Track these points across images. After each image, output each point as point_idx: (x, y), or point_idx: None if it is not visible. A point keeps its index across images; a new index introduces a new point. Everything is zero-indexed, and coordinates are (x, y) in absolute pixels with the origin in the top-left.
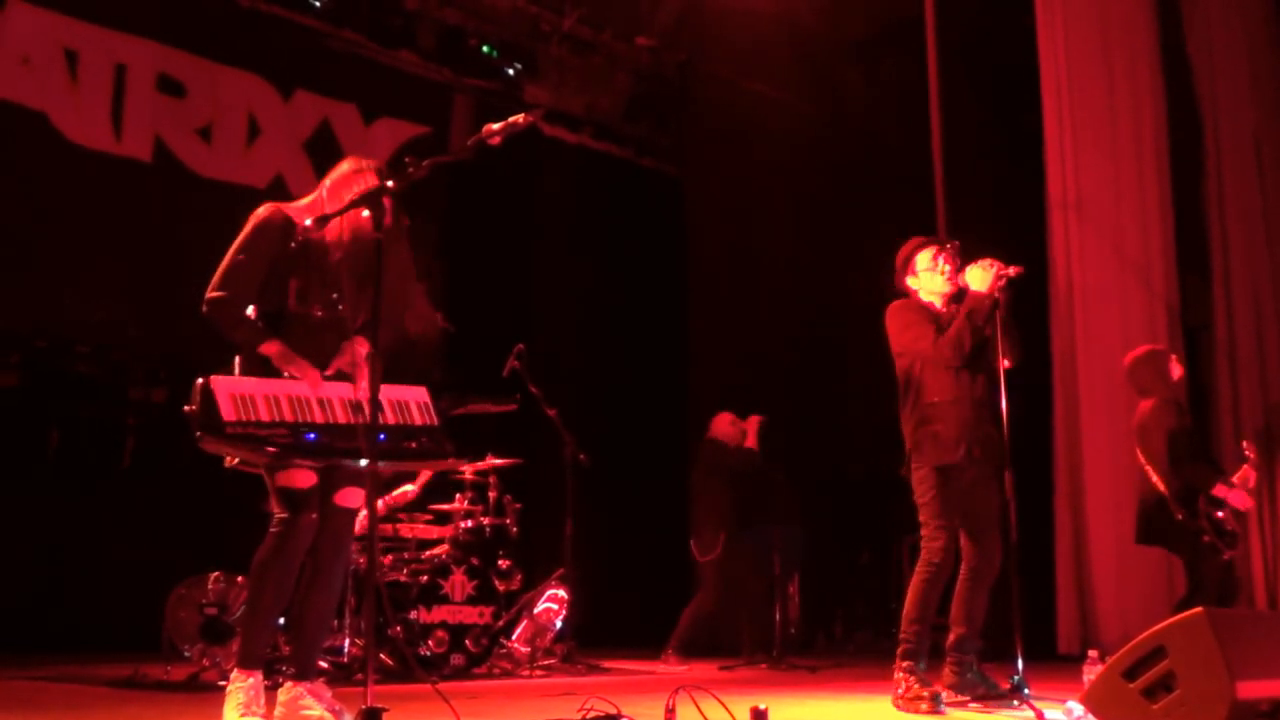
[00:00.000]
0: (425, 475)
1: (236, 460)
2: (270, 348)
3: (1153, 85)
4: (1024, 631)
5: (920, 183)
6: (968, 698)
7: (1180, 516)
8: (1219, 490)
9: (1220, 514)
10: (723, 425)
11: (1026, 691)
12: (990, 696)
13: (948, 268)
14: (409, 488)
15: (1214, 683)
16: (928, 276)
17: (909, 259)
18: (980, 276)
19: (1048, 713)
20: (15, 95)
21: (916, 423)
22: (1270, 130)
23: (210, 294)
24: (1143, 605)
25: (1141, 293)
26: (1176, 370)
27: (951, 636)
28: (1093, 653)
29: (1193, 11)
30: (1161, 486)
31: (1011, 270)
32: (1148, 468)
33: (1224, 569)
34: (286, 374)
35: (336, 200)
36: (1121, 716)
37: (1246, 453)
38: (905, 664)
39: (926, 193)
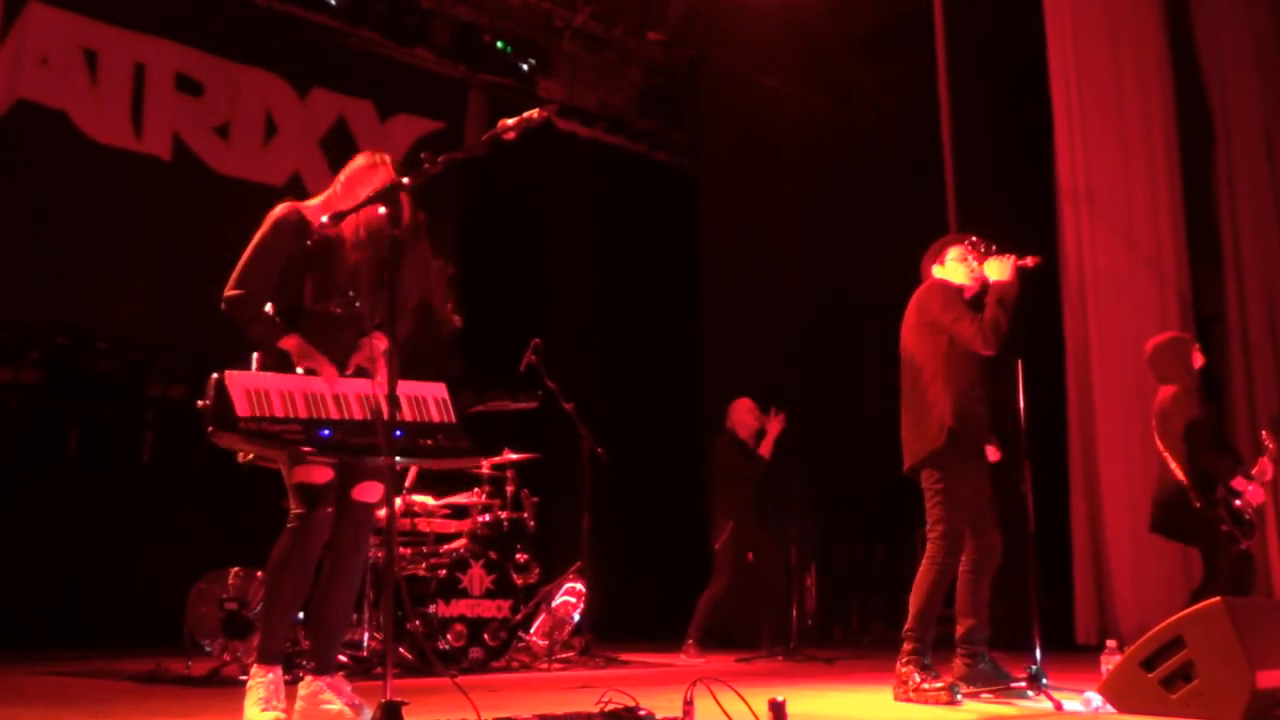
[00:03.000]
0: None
1: (250, 456)
2: (288, 342)
3: (1161, 75)
4: (1041, 622)
5: (931, 175)
6: (981, 689)
7: (1198, 505)
8: (1237, 483)
9: (1238, 503)
10: (741, 413)
11: (1044, 682)
12: (1004, 686)
13: (975, 265)
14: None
15: (1233, 672)
16: (954, 267)
17: (943, 249)
18: (998, 267)
19: (1066, 703)
20: (36, 95)
21: (931, 415)
22: None
23: (228, 292)
24: (1160, 595)
25: (1153, 283)
26: (1198, 359)
27: (960, 629)
28: (1111, 643)
29: (1201, 2)
30: (1180, 475)
31: (1029, 260)
32: (1166, 455)
33: (1240, 558)
34: (303, 369)
35: (351, 195)
36: (1140, 706)
37: (1266, 443)
38: (914, 659)
39: (937, 185)
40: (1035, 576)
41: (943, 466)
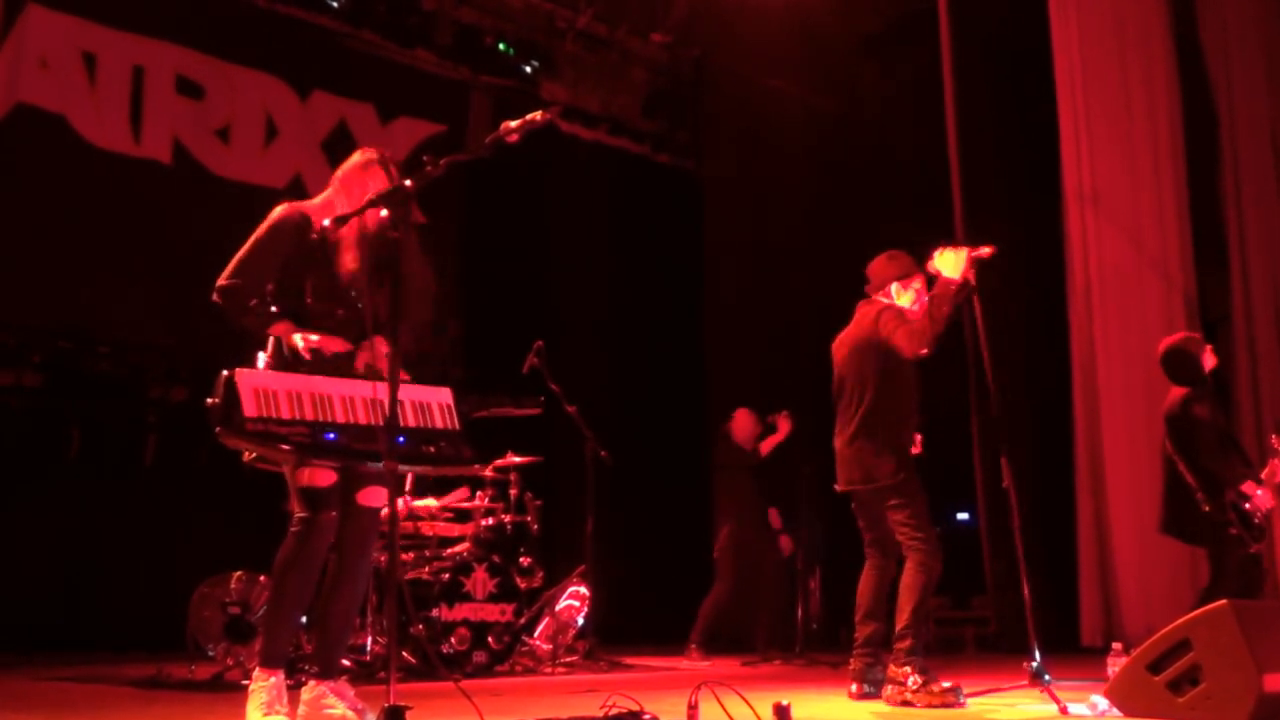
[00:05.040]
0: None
1: (254, 455)
2: (279, 327)
3: (1168, 76)
4: (1047, 624)
5: (936, 175)
6: (875, 691)
7: (1207, 508)
8: (1247, 487)
9: (1248, 506)
10: (742, 422)
11: (1047, 679)
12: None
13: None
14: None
15: (1240, 675)
16: (908, 300)
17: (907, 277)
18: (952, 261)
19: (1071, 706)
20: (35, 98)
21: (890, 437)
22: None
23: (221, 281)
24: (1166, 597)
25: (1159, 285)
26: (1210, 360)
27: (869, 630)
28: (1117, 645)
29: (1206, 1)
30: (1189, 477)
31: (985, 251)
32: (1175, 457)
33: (1249, 561)
34: (301, 342)
35: (348, 193)
36: (1146, 710)
37: (1276, 445)
38: (912, 660)
39: (943, 185)
40: (1025, 572)
41: (900, 488)
